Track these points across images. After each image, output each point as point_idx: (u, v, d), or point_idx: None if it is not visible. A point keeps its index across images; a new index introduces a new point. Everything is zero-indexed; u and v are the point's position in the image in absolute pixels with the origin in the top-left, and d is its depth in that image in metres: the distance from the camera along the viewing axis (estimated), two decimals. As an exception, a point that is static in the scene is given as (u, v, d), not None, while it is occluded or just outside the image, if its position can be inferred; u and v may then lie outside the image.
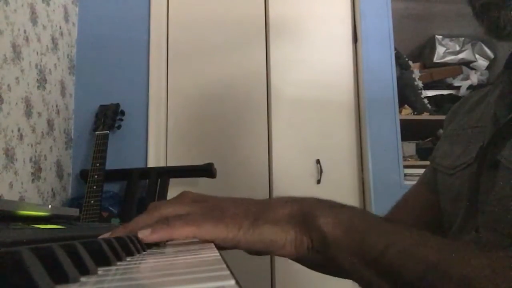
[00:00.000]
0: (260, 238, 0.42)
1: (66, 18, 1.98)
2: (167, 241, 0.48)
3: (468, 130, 0.63)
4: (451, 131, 0.68)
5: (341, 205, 0.44)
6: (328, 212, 0.42)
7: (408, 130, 2.26)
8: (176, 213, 0.45)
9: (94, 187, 1.69)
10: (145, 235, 0.41)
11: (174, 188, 1.94)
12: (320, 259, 0.43)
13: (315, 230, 0.41)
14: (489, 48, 2.78)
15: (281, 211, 0.43)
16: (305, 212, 0.42)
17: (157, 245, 0.50)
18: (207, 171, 1.89)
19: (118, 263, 0.33)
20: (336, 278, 0.45)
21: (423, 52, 2.86)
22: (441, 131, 2.33)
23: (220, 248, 0.44)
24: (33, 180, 1.60)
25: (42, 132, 1.69)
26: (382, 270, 0.39)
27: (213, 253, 0.38)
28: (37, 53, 1.67)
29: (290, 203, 0.44)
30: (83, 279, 0.24)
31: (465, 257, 0.37)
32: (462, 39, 2.77)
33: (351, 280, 0.43)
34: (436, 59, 2.73)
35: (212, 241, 0.42)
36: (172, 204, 0.47)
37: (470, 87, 2.65)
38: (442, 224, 0.64)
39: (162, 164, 2.05)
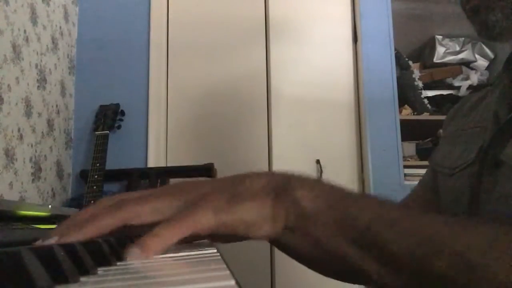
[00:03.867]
0: (240, 218, 0.37)
1: (66, 18, 1.98)
2: None
3: (468, 130, 0.63)
4: (450, 132, 0.68)
5: (320, 179, 0.41)
6: (307, 184, 0.38)
7: (408, 130, 2.26)
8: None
9: (94, 187, 1.69)
10: (136, 254, 0.34)
11: (174, 188, 1.94)
12: (297, 241, 0.38)
13: (292, 203, 0.37)
14: (489, 48, 2.78)
15: (256, 183, 0.39)
16: (282, 184, 0.39)
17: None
18: (207, 171, 1.89)
19: (118, 263, 0.33)
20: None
21: (423, 52, 2.86)
22: (441, 131, 2.33)
23: (198, 238, 0.39)
24: (33, 180, 1.60)
25: (42, 132, 1.69)
26: (367, 245, 0.35)
27: (213, 253, 0.38)
28: (37, 53, 1.67)
29: (265, 175, 0.40)
30: (83, 279, 0.24)
31: (461, 230, 0.34)
32: (462, 39, 2.77)
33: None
34: (436, 59, 2.73)
35: (191, 235, 0.36)
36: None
37: (470, 87, 2.65)
38: None
39: (162, 164, 2.05)
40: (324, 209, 0.37)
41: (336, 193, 0.38)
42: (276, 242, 0.40)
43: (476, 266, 0.32)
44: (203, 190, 0.38)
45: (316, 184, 0.39)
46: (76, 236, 0.34)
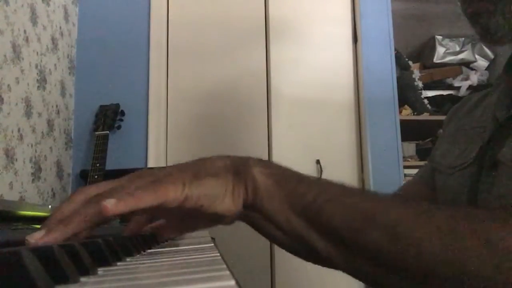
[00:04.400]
0: (204, 192, 0.40)
1: (66, 18, 1.98)
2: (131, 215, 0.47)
3: (467, 130, 0.63)
4: (450, 131, 0.68)
5: (275, 163, 0.45)
6: (262, 163, 0.43)
7: (408, 130, 2.26)
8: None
9: (94, 187, 1.69)
10: (111, 204, 0.36)
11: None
12: (257, 217, 0.42)
13: (250, 178, 0.41)
14: (489, 48, 2.78)
15: (218, 163, 0.43)
16: (241, 163, 0.43)
17: (156, 243, 0.50)
18: (207, 171, 1.88)
19: (118, 263, 0.33)
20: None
21: (423, 52, 2.86)
22: (441, 131, 2.33)
23: (166, 210, 0.41)
24: (33, 180, 1.60)
25: (42, 132, 1.69)
26: (312, 219, 0.39)
27: (213, 253, 0.38)
28: (37, 53, 1.67)
29: (225, 156, 0.44)
30: (83, 279, 0.24)
31: (394, 205, 0.38)
32: (462, 39, 2.77)
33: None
34: (436, 60, 2.73)
35: (162, 204, 0.38)
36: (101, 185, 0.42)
37: (470, 88, 2.65)
38: None
39: (162, 164, 2.05)
40: (276, 184, 0.41)
41: (287, 172, 0.43)
42: (244, 219, 0.44)
43: (404, 236, 0.36)
44: (169, 170, 0.42)
45: (271, 164, 0.44)
46: (61, 232, 0.36)
